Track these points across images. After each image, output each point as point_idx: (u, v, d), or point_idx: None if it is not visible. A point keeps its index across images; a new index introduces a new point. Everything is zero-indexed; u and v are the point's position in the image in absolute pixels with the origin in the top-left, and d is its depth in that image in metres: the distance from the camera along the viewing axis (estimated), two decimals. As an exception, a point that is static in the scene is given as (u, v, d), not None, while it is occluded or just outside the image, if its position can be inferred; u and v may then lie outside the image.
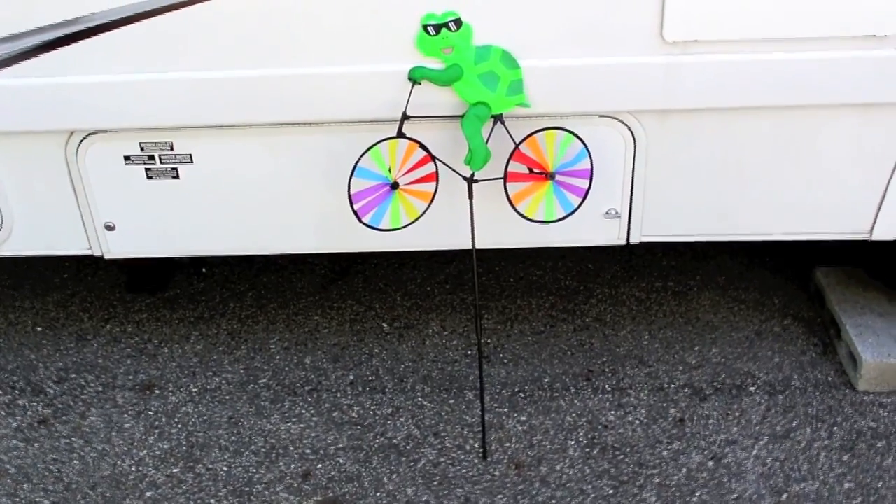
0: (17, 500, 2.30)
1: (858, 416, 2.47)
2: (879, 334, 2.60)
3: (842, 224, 2.39)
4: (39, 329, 3.01)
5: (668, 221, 2.42)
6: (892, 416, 2.46)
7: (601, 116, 2.24)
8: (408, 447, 2.43)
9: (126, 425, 2.55)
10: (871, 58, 2.09)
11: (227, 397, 2.64)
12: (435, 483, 2.31)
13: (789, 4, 2.03)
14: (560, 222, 2.30)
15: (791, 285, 3.06)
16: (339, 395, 2.64)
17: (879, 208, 2.34)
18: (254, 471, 2.37)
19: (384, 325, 2.95)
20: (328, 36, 2.12)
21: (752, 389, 2.58)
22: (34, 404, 2.64)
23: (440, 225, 2.39)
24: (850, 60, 2.10)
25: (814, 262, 3.01)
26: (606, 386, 2.63)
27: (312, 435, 2.48)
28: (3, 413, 2.61)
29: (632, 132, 2.26)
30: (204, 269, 3.29)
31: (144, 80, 2.18)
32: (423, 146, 2.21)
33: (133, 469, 2.39)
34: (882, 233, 2.39)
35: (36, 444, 2.49)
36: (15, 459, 2.43)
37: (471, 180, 2.21)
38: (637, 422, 2.48)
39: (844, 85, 2.13)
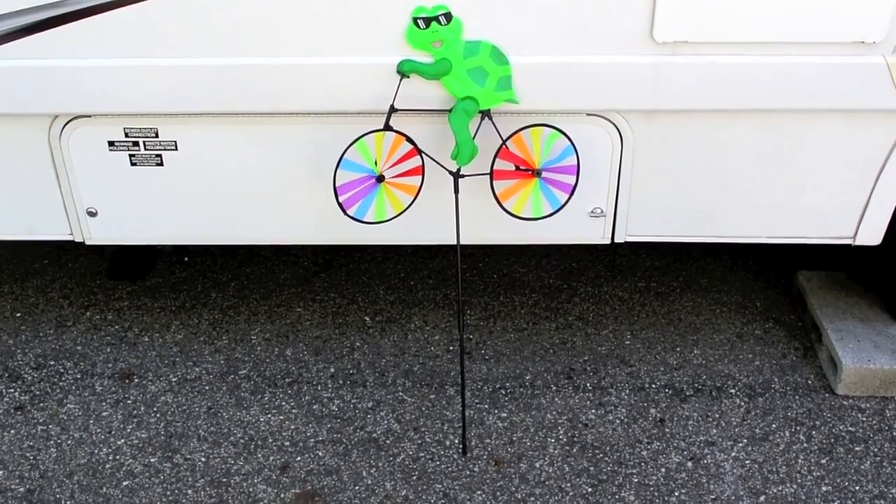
0: (-8, 486, 2.28)
1: (837, 420, 2.49)
2: (860, 339, 2.61)
3: (826, 228, 2.40)
4: (18, 315, 2.98)
5: (652, 221, 2.42)
6: (871, 421, 2.47)
7: (589, 115, 2.24)
8: (387, 441, 2.42)
9: (104, 413, 2.53)
10: (858, 64, 2.10)
11: (207, 387, 2.63)
12: (414, 478, 2.30)
13: (779, 8, 2.04)
14: (545, 220, 2.30)
15: (773, 289, 3.07)
16: (319, 387, 2.63)
17: (863, 213, 2.36)
18: (232, 462, 2.36)
19: (366, 318, 2.94)
20: (317, 26, 2.11)
21: (732, 391, 2.59)
22: (11, 390, 2.62)
23: (425, 219, 2.38)
24: (837, 66, 2.11)
25: (796, 266, 3.03)
26: (587, 384, 2.63)
27: (292, 427, 2.47)
28: (-21, 398, 2.59)
29: (619, 131, 2.26)
30: (186, 258, 3.27)
31: (130, 66, 2.16)
32: (409, 139, 2.20)
33: (110, 458, 2.38)
34: (865, 238, 2.40)
35: (12, 431, 2.47)
36: (-10, 445, 2.41)
37: (457, 175, 2.20)
38: (617, 421, 2.49)
39: (832, 90, 2.14)
